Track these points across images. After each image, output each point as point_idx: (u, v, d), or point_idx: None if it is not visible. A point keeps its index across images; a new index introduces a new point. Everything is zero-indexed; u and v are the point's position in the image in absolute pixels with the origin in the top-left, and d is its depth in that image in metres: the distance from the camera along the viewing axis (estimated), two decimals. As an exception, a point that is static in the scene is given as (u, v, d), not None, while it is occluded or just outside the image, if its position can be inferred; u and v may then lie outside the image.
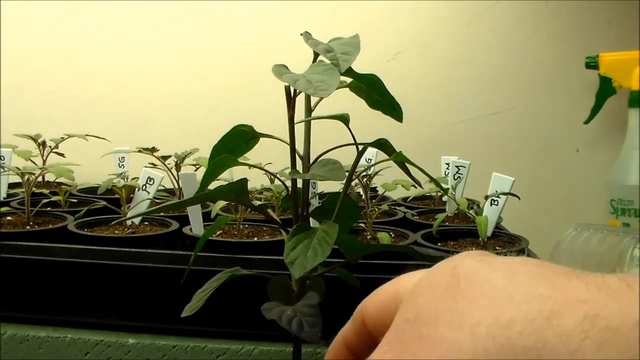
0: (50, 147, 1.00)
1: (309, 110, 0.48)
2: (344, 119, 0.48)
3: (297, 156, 0.48)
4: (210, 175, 0.47)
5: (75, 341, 0.66)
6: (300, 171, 0.47)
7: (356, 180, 0.84)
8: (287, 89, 0.47)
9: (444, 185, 0.88)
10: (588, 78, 1.20)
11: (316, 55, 0.46)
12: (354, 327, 0.33)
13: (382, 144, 0.47)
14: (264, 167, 0.91)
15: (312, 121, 0.48)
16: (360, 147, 0.48)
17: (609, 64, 1.14)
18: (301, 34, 0.47)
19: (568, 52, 1.23)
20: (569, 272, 0.25)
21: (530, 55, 1.24)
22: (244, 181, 0.46)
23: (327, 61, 0.44)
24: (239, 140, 0.48)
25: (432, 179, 0.50)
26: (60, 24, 1.26)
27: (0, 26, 1.24)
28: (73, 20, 1.26)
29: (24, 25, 1.26)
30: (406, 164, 0.47)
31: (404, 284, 0.30)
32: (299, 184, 0.49)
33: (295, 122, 0.47)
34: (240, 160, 0.49)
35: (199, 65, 1.26)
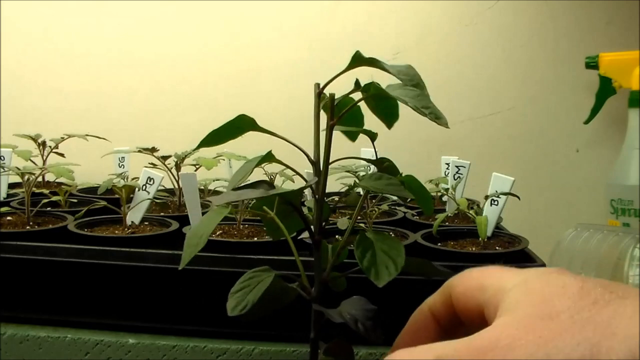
0: (50, 147, 1.00)
1: (318, 116, 0.47)
2: (372, 135, 0.48)
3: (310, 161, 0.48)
4: (224, 131, 0.46)
5: (75, 341, 0.66)
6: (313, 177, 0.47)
7: (357, 180, 0.84)
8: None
9: (444, 186, 0.88)
10: (588, 78, 1.20)
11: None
12: (441, 299, 0.35)
13: (385, 167, 0.47)
14: (264, 166, 0.92)
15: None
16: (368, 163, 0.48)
17: (609, 64, 1.14)
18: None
19: (568, 52, 1.23)
20: None
21: (530, 55, 1.24)
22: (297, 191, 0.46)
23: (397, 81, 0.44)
24: (238, 130, 0.48)
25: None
26: (60, 23, 1.26)
27: (0, 26, 1.24)
28: (73, 20, 1.26)
29: (23, 25, 1.26)
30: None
31: (492, 281, 0.32)
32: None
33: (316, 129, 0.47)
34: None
35: (199, 66, 1.26)
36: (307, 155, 0.47)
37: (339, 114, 0.47)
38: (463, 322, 0.34)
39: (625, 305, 0.26)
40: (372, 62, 0.44)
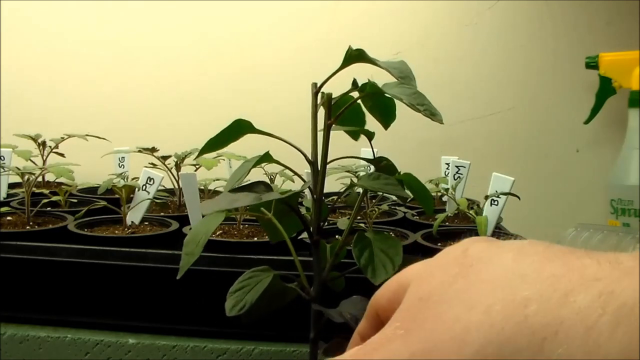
0: (50, 147, 1.00)
1: (315, 116, 0.47)
2: (369, 135, 0.48)
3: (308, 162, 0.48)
4: (223, 137, 0.46)
5: (75, 341, 0.66)
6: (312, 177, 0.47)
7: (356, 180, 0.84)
8: (316, 96, 0.47)
9: (444, 186, 0.88)
10: (588, 78, 1.20)
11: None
12: (368, 322, 0.33)
13: (382, 166, 0.47)
14: (264, 166, 0.92)
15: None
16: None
17: (609, 64, 1.14)
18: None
19: (568, 52, 1.23)
20: (579, 251, 0.25)
21: (530, 55, 1.24)
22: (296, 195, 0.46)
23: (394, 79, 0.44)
24: (236, 134, 0.48)
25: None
26: (60, 24, 1.26)
27: (0, 26, 1.24)
28: (73, 20, 1.26)
29: (24, 25, 1.26)
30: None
31: (412, 271, 0.30)
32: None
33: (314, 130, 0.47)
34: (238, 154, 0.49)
35: (199, 66, 1.26)
36: (305, 155, 0.47)
37: (337, 113, 0.47)
38: None
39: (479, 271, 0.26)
40: (362, 57, 0.44)
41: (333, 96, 0.46)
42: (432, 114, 0.42)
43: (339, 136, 0.49)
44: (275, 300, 0.48)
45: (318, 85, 0.47)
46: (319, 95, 0.46)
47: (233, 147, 0.93)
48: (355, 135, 0.54)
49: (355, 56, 0.44)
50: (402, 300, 0.28)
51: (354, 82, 0.47)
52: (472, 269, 0.26)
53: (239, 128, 0.47)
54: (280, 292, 0.47)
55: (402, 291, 0.29)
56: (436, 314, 0.25)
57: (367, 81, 0.46)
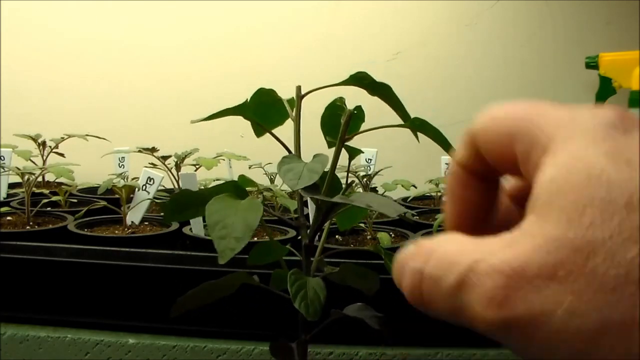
0: (50, 147, 1.00)
1: (298, 116, 0.48)
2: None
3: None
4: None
5: (75, 341, 0.66)
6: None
7: (356, 180, 0.84)
8: (300, 100, 0.47)
9: (444, 186, 0.88)
10: (588, 78, 1.20)
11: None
12: (468, 152, 0.27)
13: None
14: (264, 166, 0.92)
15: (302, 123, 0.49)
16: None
17: (609, 64, 1.14)
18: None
19: (568, 52, 1.23)
20: None
21: (530, 55, 1.24)
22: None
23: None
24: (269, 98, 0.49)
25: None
26: (60, 24, 1.26)
27: (0, 26, 1.24)
28: (72, 20, 1.26)
29: (24, 25, 1.26)
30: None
31: (522, 129, 0.23)
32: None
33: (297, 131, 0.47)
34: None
35: (200, 66, 1.26)
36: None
37: (332, 121, 0.47)
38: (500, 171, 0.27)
39: None
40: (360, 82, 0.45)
41: (319, 102, 0.47)
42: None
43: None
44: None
45: (302, 93, 0.47)
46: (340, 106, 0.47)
47: (233, 147, 0.93)
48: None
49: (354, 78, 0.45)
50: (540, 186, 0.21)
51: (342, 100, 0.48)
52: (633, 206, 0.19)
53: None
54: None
55: (510, 143, 0.23)
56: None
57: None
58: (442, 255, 0.23)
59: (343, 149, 0.47)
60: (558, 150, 0.22)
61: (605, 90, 1.15)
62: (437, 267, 0.22)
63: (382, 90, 0.47)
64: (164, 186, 0.87)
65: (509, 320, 0.20)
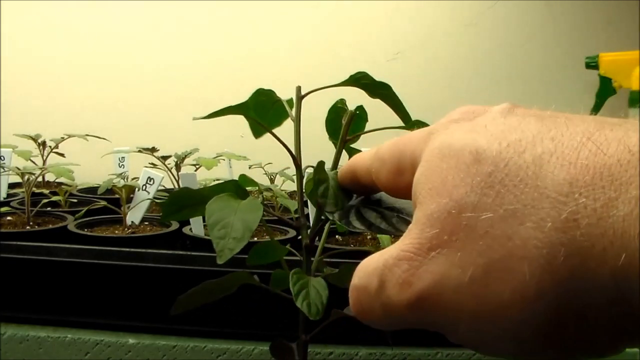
0: (50, 147, 1.00)
1: (298, 117, 0.48)
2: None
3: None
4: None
5: (75, 341, 0.66)
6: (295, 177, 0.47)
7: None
8: (300, 101, 0.47)
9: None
10: (588, 78, 1.20)
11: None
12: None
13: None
14: (264, 166, 0.92)
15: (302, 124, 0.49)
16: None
17: (609, 64, 1.14)
18: None
19: (568, 52, 1.23)
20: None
21: (530, 55, 1.24)
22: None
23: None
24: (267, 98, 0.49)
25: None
26: (60, 24, 1.26)
27: (0, 26, 1.24)
28: (73, 21, 1.26)
29: (24, 26, 1.26)
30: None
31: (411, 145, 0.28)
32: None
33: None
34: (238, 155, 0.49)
35: (199, 66, 1.26)
36: (295, 159, 0.47)
37: (336, 124, 0.47)
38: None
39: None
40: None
41: (319, 103, 0.47)
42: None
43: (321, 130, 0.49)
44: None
45: (302, 93, 0.47)
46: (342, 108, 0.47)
47: (233, 148, 0.93)
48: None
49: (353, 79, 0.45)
50: (421, 202, 0.24)
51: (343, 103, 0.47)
52: (496, 179, 0.22)
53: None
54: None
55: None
56: (481, 234, 0.21)
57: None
58: (365, 266, 0.26)
59: (343, 150, 0.47)
60: (422, 155, 0.26)
61: (605, 90, 1.15)
62: (362, 277, 0.25)
63: (382, 91, 0.47)
64: (164, 186, 0.87)
65: (421, 296, 0.23)
